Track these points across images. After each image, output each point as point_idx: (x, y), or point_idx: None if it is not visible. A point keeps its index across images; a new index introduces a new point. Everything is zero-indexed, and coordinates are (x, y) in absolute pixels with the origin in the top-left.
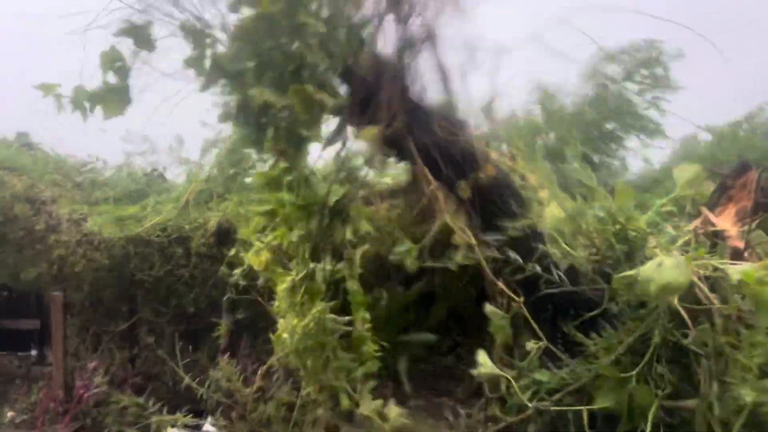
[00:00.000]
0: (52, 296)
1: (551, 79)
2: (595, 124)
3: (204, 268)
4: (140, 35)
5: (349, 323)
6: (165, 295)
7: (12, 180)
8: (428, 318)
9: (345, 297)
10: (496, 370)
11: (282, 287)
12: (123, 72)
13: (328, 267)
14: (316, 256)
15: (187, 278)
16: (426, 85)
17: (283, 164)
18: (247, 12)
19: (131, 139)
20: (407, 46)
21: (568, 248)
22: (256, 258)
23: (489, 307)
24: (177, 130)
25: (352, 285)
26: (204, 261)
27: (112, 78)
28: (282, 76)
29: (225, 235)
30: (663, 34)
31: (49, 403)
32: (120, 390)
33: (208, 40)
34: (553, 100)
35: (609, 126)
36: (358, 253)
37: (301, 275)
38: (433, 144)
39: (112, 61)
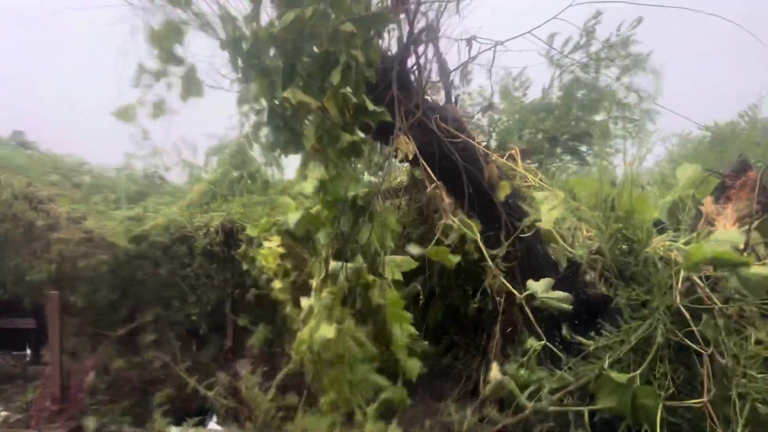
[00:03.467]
0: (49, 295)
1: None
2: (578, 117)
3: (208, 268)
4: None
5: (377, 335)
6: (167, 295)
7: (9, 179)
8: (427, 318)
9: (367, 303)
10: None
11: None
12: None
13: (352, 268)
14: (340, 257)
15: (191, 278)
16: (426, 82)
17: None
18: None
19: (134, 140)
20: (411, 44)
21: (566, 246)
22: (267, 259)
23: None
24: (177, 132)
25: (387, 293)
26: (208, 261)
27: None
28: (315, 79)
29: (229, 236)
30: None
31: (44, 402)
32: (121, 391)
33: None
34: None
35: (597, 118)
36: (389, 260)
37: (322, 276)
38: (434, 143)
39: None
